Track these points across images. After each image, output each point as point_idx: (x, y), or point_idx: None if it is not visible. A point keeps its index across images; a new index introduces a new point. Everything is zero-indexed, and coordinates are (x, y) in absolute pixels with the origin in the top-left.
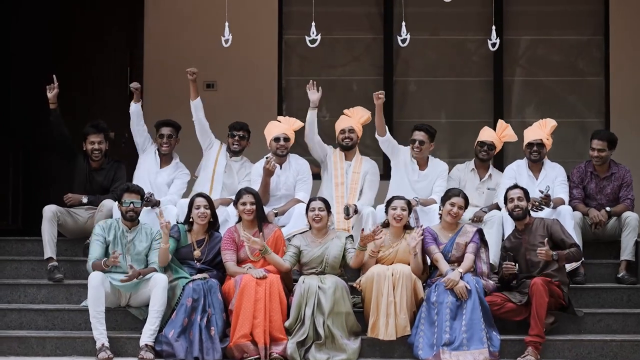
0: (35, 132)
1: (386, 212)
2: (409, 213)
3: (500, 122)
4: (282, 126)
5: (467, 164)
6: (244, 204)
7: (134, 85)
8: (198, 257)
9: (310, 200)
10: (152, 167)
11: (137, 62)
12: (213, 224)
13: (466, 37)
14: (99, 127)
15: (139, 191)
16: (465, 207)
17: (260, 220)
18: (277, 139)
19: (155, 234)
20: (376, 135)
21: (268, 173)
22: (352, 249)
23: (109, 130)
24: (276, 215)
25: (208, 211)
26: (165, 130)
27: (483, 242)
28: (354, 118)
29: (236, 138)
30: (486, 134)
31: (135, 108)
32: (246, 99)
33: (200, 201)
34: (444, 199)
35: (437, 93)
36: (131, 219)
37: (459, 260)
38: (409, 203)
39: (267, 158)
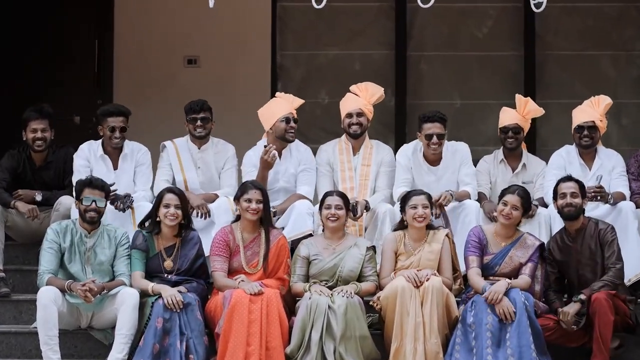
0: None
1: (402, 211)
2: (431, 208)
3: (519, 97)
4: (286, 105)
5: (495, 153)
6: (249, 201)
7: None
8: (170, 268)
9: (326, 195)
10: (105, 174)
11: (107, 33)
12: (184, 226)
13: (492, 4)
14: (43, 112)
15: (103, 187)
16: (524, 206)
17: (266, 222)
18: (287, 120)
19: (120, 237)
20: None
21: (266, 165)
22: (372, 272)
23: (53, 114)
24: (274, 215)
25: (179, 211)
26: (117, 122)
27: (541, 257)
28: (363, 97)
29: (198, 123)
30: (507, 117)
31: None
32: (234, 77)
33: (170, 198)
34: (499, 197)
35: (457, 70)
36: (91, 221)
37: (506, 277)
38: (429, 197)
39: (265, 147)
